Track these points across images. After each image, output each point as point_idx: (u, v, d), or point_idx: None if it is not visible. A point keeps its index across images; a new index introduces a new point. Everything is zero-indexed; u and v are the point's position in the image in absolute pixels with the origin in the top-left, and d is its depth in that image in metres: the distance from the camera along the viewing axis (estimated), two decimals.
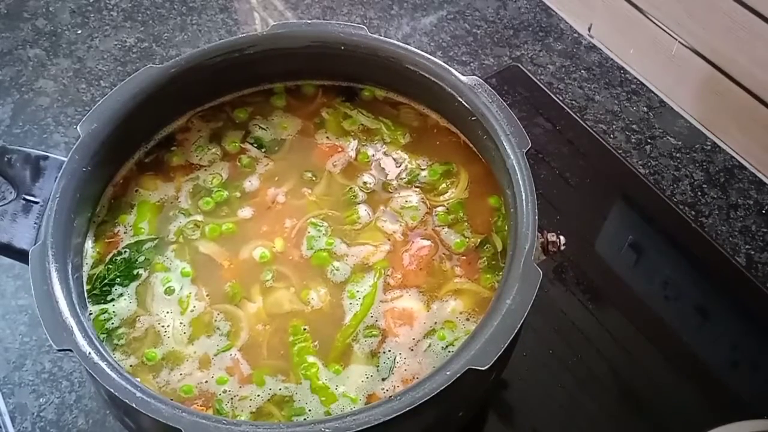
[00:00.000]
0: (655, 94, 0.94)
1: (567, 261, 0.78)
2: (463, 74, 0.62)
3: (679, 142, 0.89)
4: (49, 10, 1.05)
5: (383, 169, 0.66)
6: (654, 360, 0.73)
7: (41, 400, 0.71)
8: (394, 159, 0.66)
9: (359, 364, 0.56)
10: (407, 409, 0.47)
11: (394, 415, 0.46)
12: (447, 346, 0.56)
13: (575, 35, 1.01)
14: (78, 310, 0.52)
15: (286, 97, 0.70)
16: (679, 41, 0.88)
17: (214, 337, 0.57)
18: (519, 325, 0.50)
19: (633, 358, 0.72)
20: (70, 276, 0.55)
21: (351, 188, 0.65)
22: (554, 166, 0.86)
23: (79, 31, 1.03)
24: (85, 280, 0.59)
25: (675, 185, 0.86)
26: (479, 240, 0.61)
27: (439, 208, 0.63)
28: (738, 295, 0.77)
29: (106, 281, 0.59)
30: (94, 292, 0.58)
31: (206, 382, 0.55)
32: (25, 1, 1.06)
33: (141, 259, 0.60)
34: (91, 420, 0.70)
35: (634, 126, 0.91)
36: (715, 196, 0.85)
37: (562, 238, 0.58)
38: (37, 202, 0.58)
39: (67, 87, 0.96)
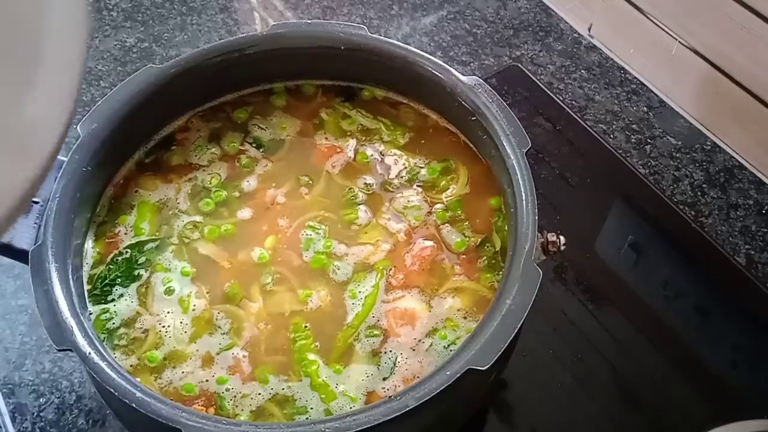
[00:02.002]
0: (655, 94, 0.94)
1: (567, 261, 0.78)
2: (463, 74, 0.62)
3: (679, 142, 0.89)
4: None
5: (382, 168, 0.66)
6: (654, 360, 0.72)
7: (41, 400, 0.71)
8: (394, 158, 0.66)
9: (360, 363, 0.56)
10: (407, 409, 0.47)
11: (394, 415, 0.46)
12: (448, 346, 0.56)
13: (575, 35, 1.01)
14: (78, 310, 0.52)
15: (286, 97, 0.70)
16: (679, 41, 0.88)
17: (216, 335, 0.57)
18: (519, 325, 0.50)
19: (633, 358, 0.72)
20: (70, 276, 0.55)
21: (351, 189, 0.65)
22: (554, 166, 0.86)
23: None
24: (85, 280, 0.59)
25: (675, 185, 0.86)
26: (480, 239, 0.61)
27: (438, 206, 0.63)
28: (738, 295, 0.77)
29: (106, 281, 0.59)
30: (95, 292, 0.58)
31: (207, 381, 0.55)
32: None
33: (142, 259, 0.60)
34: (91, 420, 0.70)
35: (634, 126, 0.91)
36: (715, 196, 0.85)
37: (562, 238, 0.58)
38: (37, 202, 0.58)
39: None
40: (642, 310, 0.76)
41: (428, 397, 0.47)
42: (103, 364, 0.49)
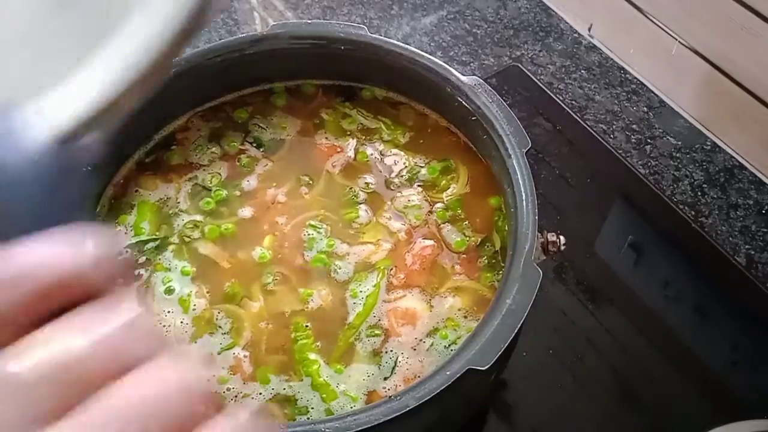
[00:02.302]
0: (655, 94, 0.94)
1: (567, 261, 0.78)
2: (463, 74, 0.62)
3: (679, 142, 0.89)
4: None
5: (383, 168, 0.66)
6: (654, 360, 0.72)
7: None
8: (394, 158, 0.66)
9: (361, 363, 0.56)
10: (407, 409, 0.47)
11: (394, 415, 0.46)
12: (449, 345, 0.56)
13: (575, 35, 1.01)
14: None
15: (286, 96, 0.70)
16: (679, 41, 0.88)
17: (216, 335, 0.57)
18: (519, 325, 0.50)
19: (633, 358, 0.72)
20: None
21: (351, 188, 0.65)
22: (554, 166, 0.86)
23: None
24: None
25: (675, 185, 0.86)
26: (480, 239, 0.61)
27: (438, 205, 0.63)
28: (738, 295, 0.77)
29: None
30: None
31: (207, 381, 0.55)
32: None
33: (142, 259, 0.60)
34: None
35: (634, 126, 0.91)
36: (715, 196, 0.85)
37: (562, 238, 0.58)
38: None
39: None
40: (642, 310, 0.76)
41: (428, 397, 0.47)
42: None
